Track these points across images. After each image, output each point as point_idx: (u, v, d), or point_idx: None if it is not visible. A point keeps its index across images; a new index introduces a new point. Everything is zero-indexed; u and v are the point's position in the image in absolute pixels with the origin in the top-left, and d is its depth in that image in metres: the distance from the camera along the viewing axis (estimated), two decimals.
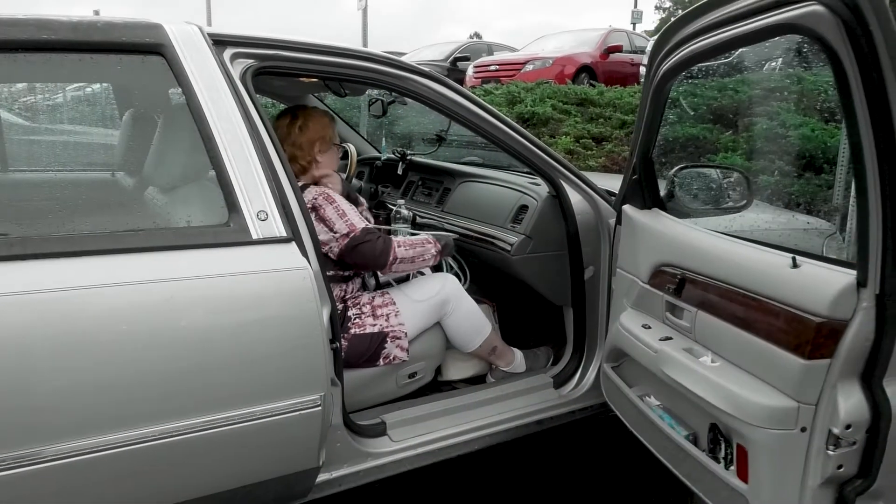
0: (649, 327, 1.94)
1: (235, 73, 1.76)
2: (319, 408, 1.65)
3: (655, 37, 1.84)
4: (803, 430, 1.46)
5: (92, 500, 1.46)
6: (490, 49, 13.61)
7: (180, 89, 1.63)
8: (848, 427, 1.41)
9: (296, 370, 1.62)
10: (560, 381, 2.38)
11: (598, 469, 2.47)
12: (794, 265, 1.48)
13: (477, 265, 2.62)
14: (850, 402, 1.41)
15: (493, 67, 10.49)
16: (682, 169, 2.07)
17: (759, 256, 1.61)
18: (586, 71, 10.14)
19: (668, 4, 43.04)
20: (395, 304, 2.18)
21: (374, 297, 2.20)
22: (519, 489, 2.36)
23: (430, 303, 2.23)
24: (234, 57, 1.79)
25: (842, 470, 1.44)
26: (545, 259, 2.35)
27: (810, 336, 1.41)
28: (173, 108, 1.67)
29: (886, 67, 1.22)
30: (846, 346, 1.39)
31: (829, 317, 1.39)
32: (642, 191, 2.06)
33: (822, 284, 1.42)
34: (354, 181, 2.88)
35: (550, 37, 11.69)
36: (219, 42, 1.76)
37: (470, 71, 10.83)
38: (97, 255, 1.44)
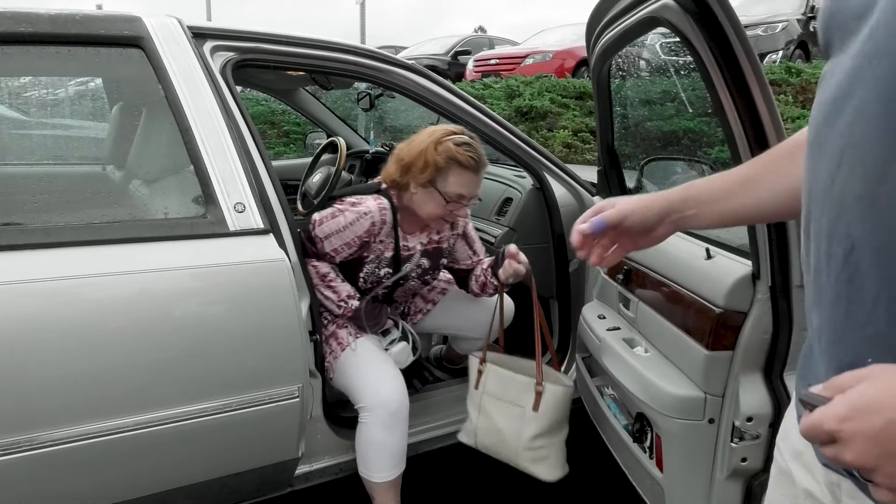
0: (604, 317, 1.96)
1: (216, 65, 1.77)
2: (298, 399, 1.66)
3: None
4: (711, 421, 1.47)
5: (67, 489, 1.47)
6: (491, 43, 13.56)
7: (159, 82, 1.64)
8: (749, 420, 1.42)
9: (274, 361, 1.63)
10: None
11: (585, 464, 2.47)
12: (708, 256, 1.51)
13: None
14: (752, 395, 1.42)
15: (493, 61, 10.45)
16: (649, 161, 2.07)
17: (684, 247, 1.63)
18: (586, 64, 10.09)
19: None
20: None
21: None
22: (501, 482, 2.37)
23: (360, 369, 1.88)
24: (215, 50, 1.79)
25: (746, 463, 1.45)
26: (529, 251, 2.34)
27: (711, 326, 1.43)
28: (153, 101, 1.68)
29: (737, 48, 1.23)
30: (745, 339, 1.41)
31: (727, 308, 1.41)
32: (607, 182, 2.07)
33: (724, 275, 1.44)
34: (345, 174, 2.88)
35: (551, 30, 11.63)
36: (199, 35, 1.77)
37: (470, 65, 10.80)
38: (74, 245, 1.45)
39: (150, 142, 1.79)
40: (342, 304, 1.90)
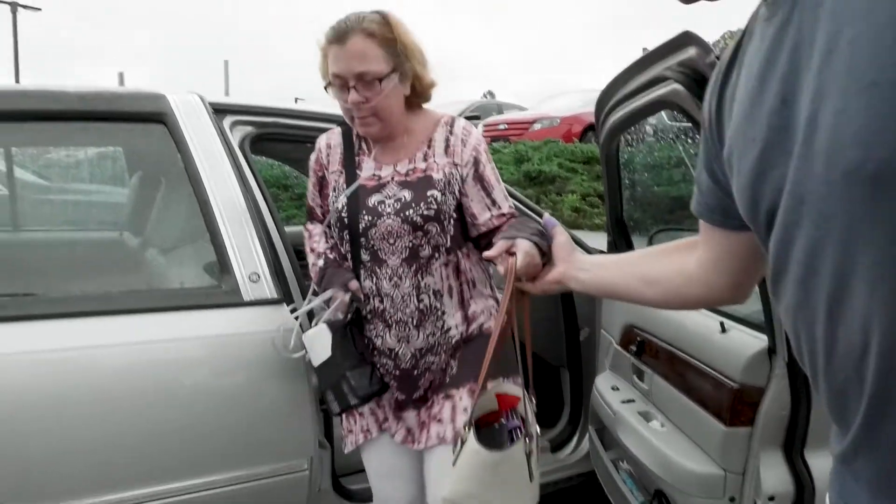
0: (617, 389, 1.94)
1: (235, 139, 1.83)
2: (307, 472, 1.64)
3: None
4: (732, 500, 1.44)
5: None
6: (500, 108, 13.91)
7: (180, 155, 1.69)
8: (772, 499, 1.39)
9: (284, 433, 1.63)
10: (557, 445, 2.35)
11: None
12: (723, 330, 1.51)
13: None
14: (773, 473, 1.39)
15: (502, 126, 10.69)
16: (659, 231, 2.09)
17: (699, 320, 1.63)
18: (594, 130, 10.30)
19: None
20: None
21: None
22: None
23: None
24: (234, 124, 1.86)
25: None
26: (540, 320, 2.35)
27: (729, 401, 1.41)
28: (173, 173, 1.73)
29: None
30: (763, 415, 1.39)
31: (744, 383, 1.40)
32: (616, 252, 2.10)
33: (739, 349, 1.44)
34: None
35: (559, 96, 11.93)
36: (219, 111, 1.83)
37: (480, 129, 11.04)
38: (88, 316, 1.48)
39: (168, 212, 1.84)
40: (314, 266, 1.57)
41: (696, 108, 1.32)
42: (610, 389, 1.95)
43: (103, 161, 2.32)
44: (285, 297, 1.66)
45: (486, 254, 1.18)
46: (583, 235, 2.40)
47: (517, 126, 10.46)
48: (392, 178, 1.44)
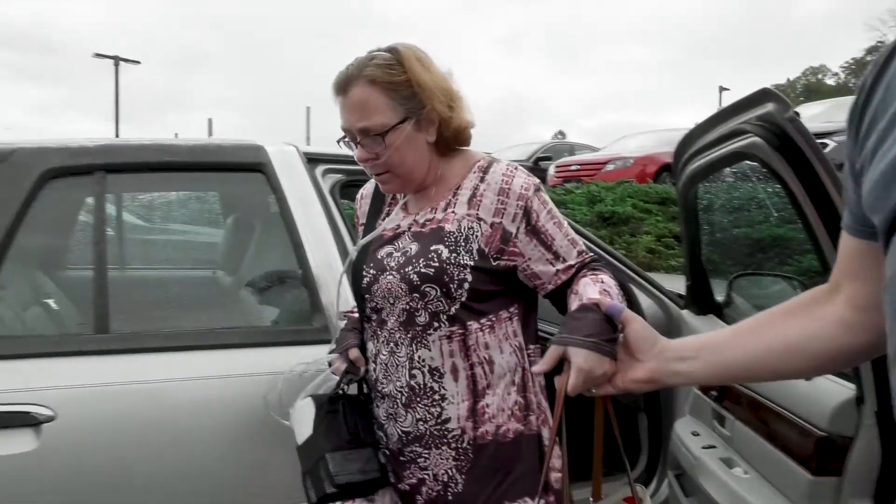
0: (697, 434, 1.91)
1: (325, 186, 1.96)
2: None
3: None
4: None
5: None
6: (572, 149, 13.94)
7: (277, 202, 1.83)
8: None
9: None
10: None
11: None
12: (808, 378, 1.48)
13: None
14: None
15: (574, 167, 10.71)
16: (739, 275, 2.07)
17: None
18: (668, 170, 10.18)
19: None
20: None
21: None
22: None
23: None
24: (325, 172, 1.99)
25: None
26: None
27: (815, 450, 1.38)
28: (269, 217, 1.87)
29: (826, 181, 1.28)
30: (852, 465, 1.35)
31: (832, 432, 1.36)
32: (696, 297, 2.09)
33: (826, 398, 1.40)
34: None
35: (632, 136, 11.87)
36: (312, 160, 1.97)
37: (551, 171, 11.09)
38: (193, 350, 1.61)
39: (262, 253, 1.97)
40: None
41: (775, 159, 1.34)
42: (690, 435, 1.93)
43: (202, 205, 2.50)
44: None
45: (535, 369, 1.03)
46: (658, 277, 2.40)
47: (590, 166, 10.45)
48: (409, 229, 1.25)
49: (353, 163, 2.03)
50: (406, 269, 1.19)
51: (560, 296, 1.23)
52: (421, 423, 1.21)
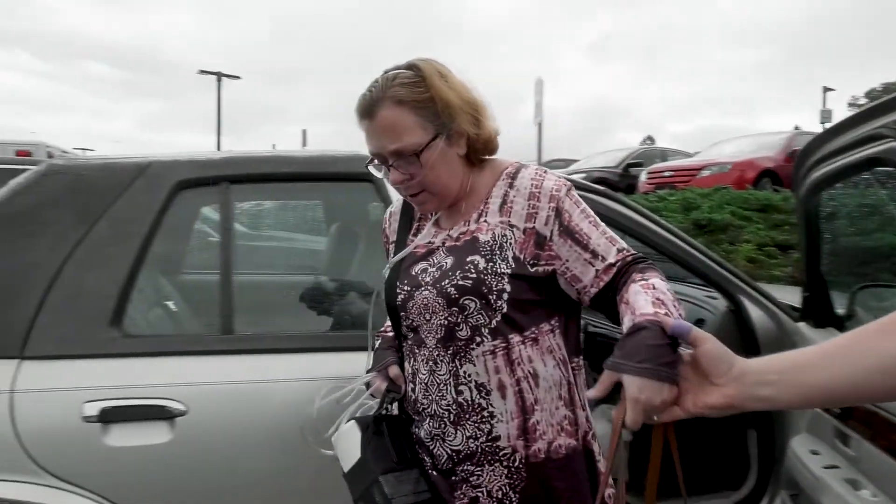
0: (818, 453, 1.81)
1: None
2: None
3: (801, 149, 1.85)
4: None
5: None
6: (664, 155, 13.54)
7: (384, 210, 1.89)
8: None
9: None
10: None
11: None
12: None
13: None
14: None
15: (667, 173, 10.41)
16: (864, 287, 1.96)
17: None
18: (768, 176, 9.72)
19: (862, 101, 40.05)
20: None
21: None
22: None
23: None
24: None
25: None
26: None
27: None
28: (376, 224, 1.93)
29: None
30: None
31: None
32: (814, 309, 1.99)
33: None
34: None
35: (728, 141, 11.42)
36: None
37: (643, 177, 10.82)
38: (309, 352, 1.68)
39: (368, 259, 2.04)
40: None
41: None
42: (809, 453, 1.84)
43: (309, 213, 2.61)
44: None
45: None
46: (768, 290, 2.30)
47: (684, 172, 10.12)
48: (444, 244, 1.22)
49: None
50: (443, 283, 1.16)
51: (607, 301, 1.15)
52: (472, 440, 1.17)
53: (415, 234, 1.30)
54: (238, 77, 27.71)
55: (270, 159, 1.90)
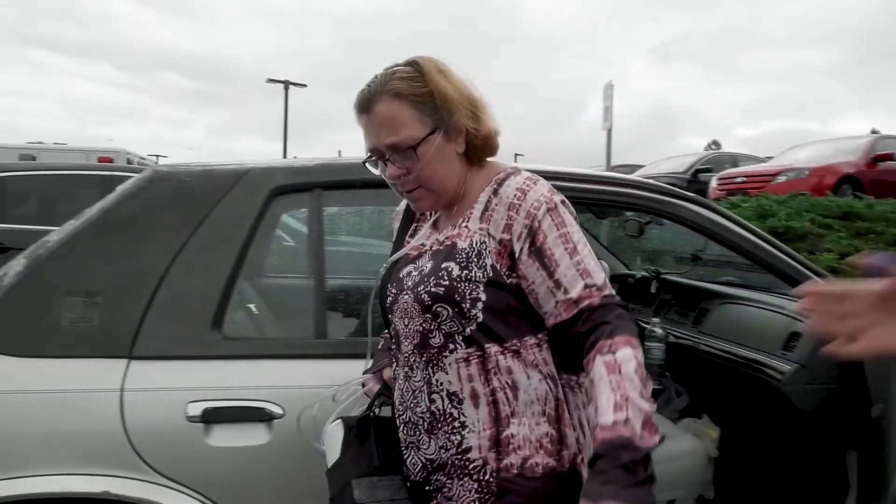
0: None
1: None
2: None
3: None
4: None
5: None
6: (734, 160, 13.11)
7: None
8: None
9: None
10: None
11: None
12: None
13: (722, 391, 2.50)
14: None
15: (739, 179, 10.05)
16: None
17: None
18: (849, 182, 9.27)
19: None
20: None
21: None
22: None
23: None
24: None
25: None
26: (823, 392, 2.17)
27: None
28: None
29: None
30: None
31: None
32: None
33: None
34: None
35: (803, 146, 10.96)
36: None
37: (713, 183, 10.49)
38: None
39: None
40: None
41: None
42: None
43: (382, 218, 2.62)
44: None
45: None
46: None
47: (757, 178, 9.75)
48: (431, 247, 1.21)
49: (547, 178, 2.08)
50: (419, 289, 1.14)
51: (566, 339, 1.09)
52: (443, 450, 1.14)
53: (412, 236, 1.30)
54: (304, 85, 28.42)
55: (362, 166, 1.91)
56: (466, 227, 1.16)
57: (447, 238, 1.17)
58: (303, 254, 1.80)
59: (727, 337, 2.58)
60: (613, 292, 1.10)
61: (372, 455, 1.22)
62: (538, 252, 1.09)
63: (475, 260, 1.12)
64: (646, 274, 3.17)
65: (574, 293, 1.07)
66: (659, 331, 2.69)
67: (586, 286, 1.07)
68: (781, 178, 9.36)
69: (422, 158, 1.14)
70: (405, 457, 1.20)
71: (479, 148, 1.20)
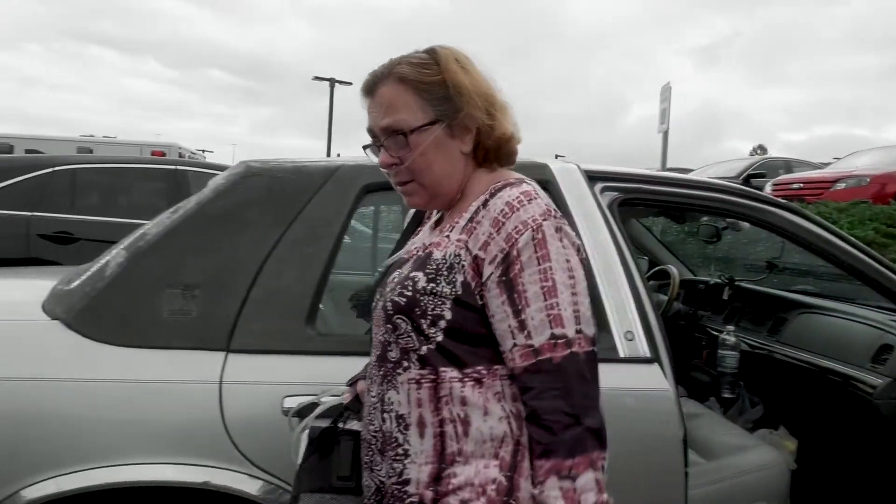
0: None
1: (604, 203, 1.95)
2: None
3: None
4: None
5: None
6: (788, 165, 12.79)
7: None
8: None
9: (651, 490, 1.65)
10: None
11: None
12: None
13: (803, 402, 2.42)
14: None
15: (795, 185, 9.79)
16: None
17: None
18: None
19: None
20: None
21: None
22: None
23: None
24: (603, 190, 1.99)
25: None
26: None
27: None
28: None
29: None
30: None
31: None
32: None
33: None
34: (675, 304, 2.89)
35: (864, 152, 10.62)
36: (591, 177, 1.98)
37: (768, 189, 10.22)
38: None
39: None
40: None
41: None
42: None
43: None
44: (656, 357, 1.71)
45: None
46: None
47: (815, 185, 9.48)
48: (418, 252, 1.10)
49: (632, 181, 2.05)
50: (387, 297, 1.05)
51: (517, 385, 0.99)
52: (388, 477, 1.04)
53: (415, 236, 1.21)
54: (350, 83, 28.65)
55: None
56: (448, 236, 1.05)
57: (430, 245, 1.08)
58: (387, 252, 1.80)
59: (808, 347, 2.50)
60: (588, 346, 0.97)
61: (330, 471, 1.14)
62: (508, 284, 0.97)
63: (445, 273, 1.01)
64: (719, 280, 3.10)
65: (536, 340, 0.95)
66: (732, 339, 2.63)
67: (552, 336, 0.95)
68: (841, 185, 9.08)
69: (414, 148, 1.05)
70: (363, 478, 1.11)
71: (490, 151, 1.09)
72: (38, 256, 4.57)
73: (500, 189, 1.03)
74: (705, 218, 2.93)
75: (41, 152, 9.52)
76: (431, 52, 1.09)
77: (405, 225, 1.27)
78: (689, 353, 2.94)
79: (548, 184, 1.89)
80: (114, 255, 1.70)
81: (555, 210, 1.02)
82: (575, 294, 0.97)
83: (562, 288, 0.96)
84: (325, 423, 1.21)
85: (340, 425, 1.19)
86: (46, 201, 4.84)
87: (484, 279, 0.98)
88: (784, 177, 10.65)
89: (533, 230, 0.97)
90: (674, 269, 3.03)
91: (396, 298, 1.02)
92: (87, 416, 1.51)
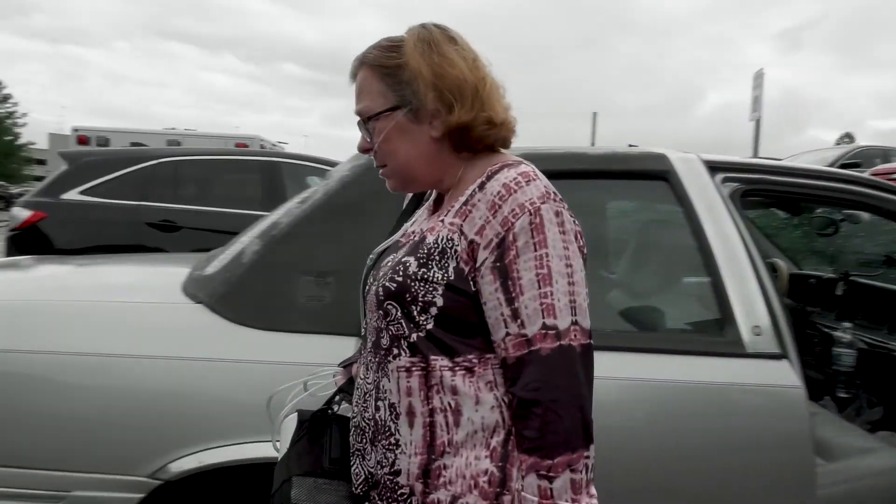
0: None
1: (725, 194, 1.91)
2: None
3: None
4: None
5: None
6: (886, 155, 12.04)
7: (683, 210, 1.82)
8: None
9: (782, 487, 1.62)
10: None
11: None
12: None
13: None
14: None
15: None
16: None
17: None
18: None
19: None
20: None
21: None
22: None
23: None
24: (724, 181, 1.94)
25: None
26: None
27: None
28: (675, 225, 1.87)
29: None
30: None
31: None
32: None
33: None
34: (784, 299, 2.80)
35: None
36: (712, 168, 1.93)
37: None
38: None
39: (669, 262, 1.99)
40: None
41: None
42: None
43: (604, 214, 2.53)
44: (784, 353, 1.67)
45: None
46: None
47: None
48: (412, 236, 1.07)
49: (754, 171, 1.99)
50: (379, 282, 1.03)
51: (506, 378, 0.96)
52: (379, 466, 1.02)
53: (412, 223, 1.17)
54: None
55: (566, 156, 1.91)
56: (442, 220, 1.02)
57: (424, 229, 1.05)
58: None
59: None
60: (584, 338, 0.94)
61: (322, 454, 1.12)
62: (503, 271, 0.94)
63: (437, 258, 0.97)
64: (832, 275, 2.97)
65: (529, 330, 0.92)
66: (849, 336, 2.52)
67: (544, 326, 0.92)
68: None
69: (376, 134, 1.04)
70: (351, 465, 1.09)
71: (468, 138, 1.03)
72: (142, 244, 4.82)
73: (496, 171, 0.98)
74: (819, 209, 2.81)
75: (145, 145, 10.01)
76: (408, 36, 1.05)
77: (404, 207, 1.25)
78: (801, 351, 2.84)
79: (668, 174, 1.86)
80: (249, 243, 1.78)
81: (554, 192, 0.97)
82: (571, 284, 0.94)
83: (557, 277, 0.93)
84: (314, 408, 1.20)
85: (335, 408, 1.18)
86: (151, 191, 5.10)
87: (478, 265, 0.95)
88: (884, 166, 10.03)
89: (530, 214, 0.93)
90: (782, 263, 2.93)
91: (387, 284, 1.00)
92: (228, 395, 1.60)
